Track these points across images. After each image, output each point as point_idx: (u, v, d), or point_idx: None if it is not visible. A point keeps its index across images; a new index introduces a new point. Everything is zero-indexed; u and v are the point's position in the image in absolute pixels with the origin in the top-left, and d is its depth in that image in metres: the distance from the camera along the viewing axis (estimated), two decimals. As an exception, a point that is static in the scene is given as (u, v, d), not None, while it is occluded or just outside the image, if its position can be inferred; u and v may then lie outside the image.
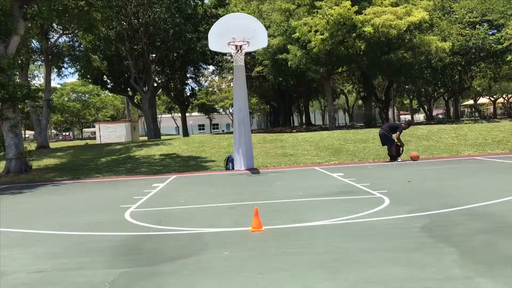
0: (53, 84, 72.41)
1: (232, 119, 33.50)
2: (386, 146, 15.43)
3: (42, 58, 28.15)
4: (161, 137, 34.59)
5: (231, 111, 62.69)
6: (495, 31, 31.51)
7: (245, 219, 6.42)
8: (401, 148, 15.18)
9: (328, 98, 31.23)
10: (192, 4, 32.58)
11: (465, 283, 3.59)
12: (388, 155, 15.34)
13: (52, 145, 31.16)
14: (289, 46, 26.64)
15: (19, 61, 21.47)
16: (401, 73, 28.71)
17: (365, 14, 24.31)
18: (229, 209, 7.61)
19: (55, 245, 5.64)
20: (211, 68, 43.87)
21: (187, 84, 40.54)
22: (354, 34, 24.18)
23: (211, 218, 6.94)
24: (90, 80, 35.36)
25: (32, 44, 26.77)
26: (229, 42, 14.61)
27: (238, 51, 14.75)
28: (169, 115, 74.49)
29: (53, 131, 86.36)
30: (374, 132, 20.19)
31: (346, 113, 68.56)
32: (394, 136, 14.95)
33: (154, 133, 33.15)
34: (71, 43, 29.19)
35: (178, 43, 31.39)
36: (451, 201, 7.21)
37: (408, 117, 65.92)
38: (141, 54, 32.14)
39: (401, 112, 72.31)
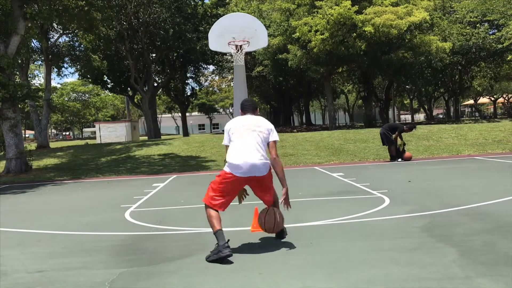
0: (53, 83, 72.46)
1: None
2: (386, 146, 15.42)
3: (42, 58, 28.17)
4: (161, 137, 34.60)
5: (231, 111, 62.66)
6: (496, 30, 31.47)
7: (245, 219, 6.41)
8: (402, 148, 15.13)
9: (328, 98, 31.21)
10: (192, 4, 32.60)
11: (465, 283, 3.59)
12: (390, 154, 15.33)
13: (52, 144, 31.16)
14: (289, 46, 26.64)
15: (19, 61, 21.45)
16: (402, 73, 28.70)
17: (366, 14, 24.31)
18: (229, 209, 7.59)
19: (55, 245, 5.64)
20: (211, 68, 43.91)
21: (187, 84, 40.57)
22: (355, 34, 24.17)
23: (211, 218, 6.92)
24: (90, 80, 35.41)
25: (32, 44, 26.78)
26: (229, 42, 14.64)
27: (238, 50, 14.77)
28: (169, 115, 74.52)
29: (53, 130, 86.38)
30: (374, 132, 20.20)
31: (346, 113, 68.53)
32: (394, 136, 14.94)
33: (154, 133, 33.16)
34: (71, 43, 29.24)
35: (178, 43, 31.41)
36: (451, 201, 7.21)
37: (409, 117, 65.94)
38: (141, 54, 32.16)
39: (401, 112, 72.25)
